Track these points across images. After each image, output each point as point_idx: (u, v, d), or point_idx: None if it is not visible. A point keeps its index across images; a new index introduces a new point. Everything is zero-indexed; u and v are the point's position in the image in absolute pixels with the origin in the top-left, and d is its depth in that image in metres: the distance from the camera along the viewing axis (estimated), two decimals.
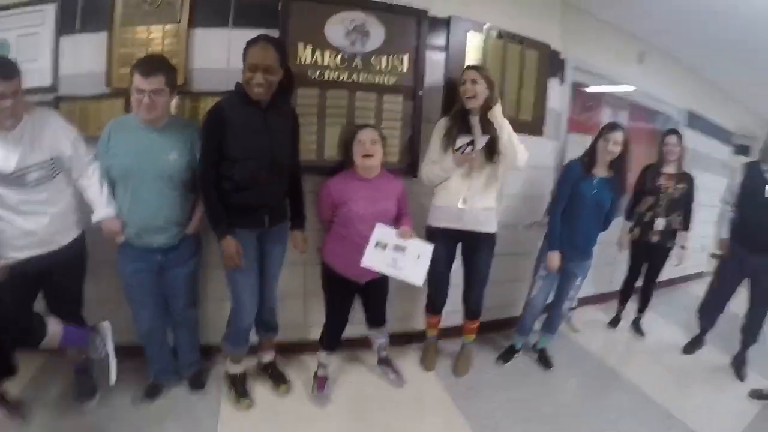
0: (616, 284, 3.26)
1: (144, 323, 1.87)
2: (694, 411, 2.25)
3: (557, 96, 2.78)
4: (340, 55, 2.11)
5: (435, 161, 2.05)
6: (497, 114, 1.97)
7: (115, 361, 1.66)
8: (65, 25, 2.01)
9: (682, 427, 2.12)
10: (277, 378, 2.14)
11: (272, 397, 2.09)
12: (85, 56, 2.02)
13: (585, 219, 2.28)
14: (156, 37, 2.01)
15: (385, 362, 2.30)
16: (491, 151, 2.01)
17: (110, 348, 1.66)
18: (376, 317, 2.17)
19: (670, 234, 2.87)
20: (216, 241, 1.76)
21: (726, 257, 2.70)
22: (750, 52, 3.19)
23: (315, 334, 2.15)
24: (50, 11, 2.03)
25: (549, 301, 2.51)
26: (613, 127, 2.24)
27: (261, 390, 2.12)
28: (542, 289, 2.41)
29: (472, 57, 2.32)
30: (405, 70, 2.20)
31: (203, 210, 1.80)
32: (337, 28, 2.09)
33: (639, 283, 3.14)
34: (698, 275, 4.33)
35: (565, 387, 2.40)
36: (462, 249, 2.21)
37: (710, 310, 2.85)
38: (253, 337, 2.11)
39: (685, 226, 2.91)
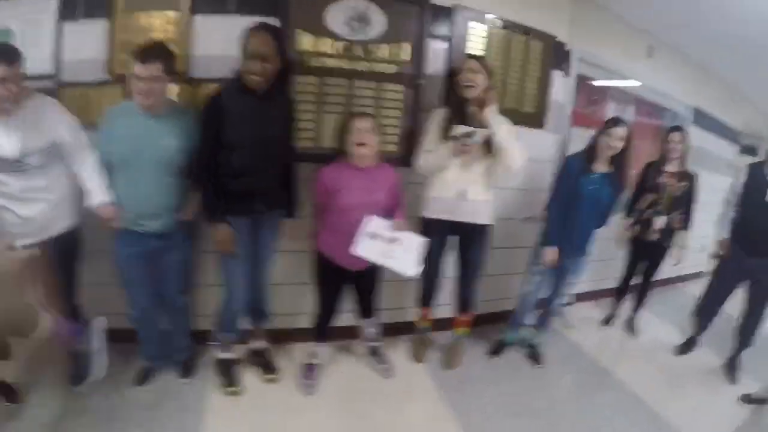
0: (613, 281, 3.21)
1: (137, 307, 1.87)
2: (683, 413, 2.22)
3: (561, 88, 2.71)
4: (340, 43, 2.05)
5: (431, 150, 2.00)
6: (492, 116, 1.92)
7: (104, 356, 1.69)
8: (67, 12, 1.97)
9: (670, 429, 2.09)
10: (266, 366, 2.14)
11: (261, 384, 2.09)
12: (87, 43, 1.98)
13: (583, 215, 2.23)
14: (157, 23, 1.97)
15: (375, 353, 2.29)
16: (490, 144, 1.96)
17: (100, 343, 1.69)
18: (366, 308, 2.15)
19: (669, 233, 2.80)
20: (210, 227, 1.76)
21: (726, 257, 2.63)
22: (761, 50, 3.08)
23: (306, 322, 2.14)
24: None
25: (543, 296, 2.46)
26: (615, 122, 2.18)
27: (250, 377, 2.11)
28: (536, 285, 2.37)
29: (474, 47, 2.26)
30: (406, 58, 2.15)
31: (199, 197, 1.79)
32: (337, 15, 2.04)
33: (635, 281, 3.08)
34: (697, 275, 4.25)
35: (556, 383, 2.38)
36: (456, 241, 2.17)
37: (706, 311, 2.79)
38: (245, 325, 2.11)
39: (685, 225, 2.83)
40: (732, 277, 2.63)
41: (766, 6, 2.44)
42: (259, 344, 2.17)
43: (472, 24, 2.25)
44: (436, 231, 2.08)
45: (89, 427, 1.71)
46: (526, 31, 2.39)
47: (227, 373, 2.01)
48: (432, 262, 2.15)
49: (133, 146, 1.65)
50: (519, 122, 2.45)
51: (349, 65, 2.08)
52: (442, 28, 2.21)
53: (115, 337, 2.05)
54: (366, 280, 2.03)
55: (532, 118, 2.54)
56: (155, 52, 1.59)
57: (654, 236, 2.80)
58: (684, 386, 2.50)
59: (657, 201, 2.76)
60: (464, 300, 2.25)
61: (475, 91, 1.93)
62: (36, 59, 1.94)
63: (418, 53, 2.15)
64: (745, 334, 2.62)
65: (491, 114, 1.92)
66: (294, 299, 2.34)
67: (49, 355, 1.79)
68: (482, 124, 1.94)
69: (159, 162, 1.68)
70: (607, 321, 3.19)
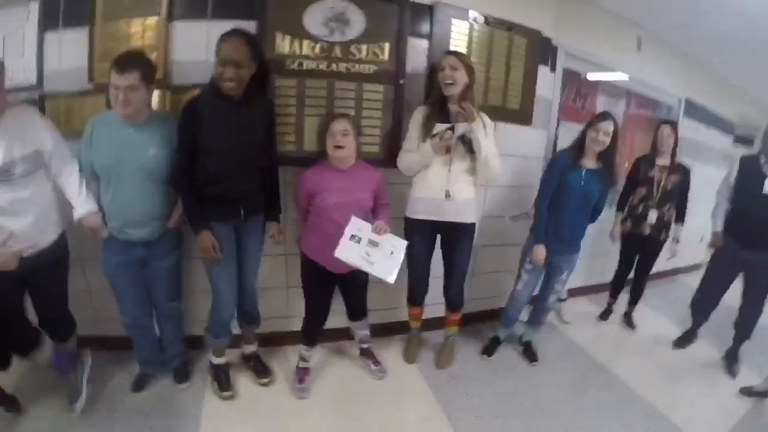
0: (609, 276, 3.14)
1: (129, 315, 1.85)
2: (682, 408, 2.16)
3: (547, 84, 2.64)
4: (318, 45, 2.00)
5: (412, 150, 1.94)
6: (477, 130, 1.87)
7: (85, 393, 1.74)
8: (48, 22, 1.94)
9: (668, 425, 2.03)
10: (259, 369, 2.11)
11: (255, 388, 2.06)
12: (69, 52, 1.95)
13: (572, 211, 2.16)
14: (137, 30, 1.93)
15: (366, 354, 2.25)
16: (470, 149, 1.91)
17: (85, 379, 1.77)
18: (356, 309, 2.11)
19: (662, 226, 2.72)
20: (192, 234, 1.74)
21: (721, 250, 2.55)
22: (752, 40, 3.00)
23: (297, 325, 2.10)
24: (34, 8, 1.96)
25: (535, 293, 2.39)
26: (603, 116, 2.11)
27: (244, 381, 2.09)
28: (528, 283, 2.31)
29: (456, 44, 2.20)
30: (386, 58, 2.09)
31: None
32: (316, 16, 1.98)
33: (631, 275, 3.01)
34: (696, 267, 4.15)
35: (550, 381, 2.31)
36: (441, 240, 2.12)
37: (703, 304, 2.72)
38: (237, 329, 2.08)
39: (679, 218, 2.75)
40: (728, 270, 2.56)
41: None
42: (250, 348, 2.15)
43: (453, 21, 2.19)
44: (420, 231, 2.03)
45: None
46: (510, 26, 2.32)
47: (221, 378, 1.99)
48: (419, 262, 2.10)
49: (116, 155, 1.63)
50: (505, 119, 2.40)
51: (328, 67, 2.03)
52: (422, 27, 2.15)
53: (112, 344, 2.08)
54: (354, 281, 1.98)
55: (518, 114, 2.47)
56: (132, 61, 1.56)
57: (647, 230, 2.71)
58: (683, 380, 2.43)
59: (649, 195, 2.68)
60: (453, 299, 2.20)
61: (455, 88, 1.88)
62: (18, 70, 1.93)
63: (399, 52, 2.09)
64: (744, 326, 2.55)
65: (476, 128, 1.87)
66: (286, 302, 2.30)
67: None
68: (465, 121, 1.88)
69: (141, 170, 1.66)
70: (604, 316, 3.11)
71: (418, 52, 2.15)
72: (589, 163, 2.12)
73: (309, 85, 2.02)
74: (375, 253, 1.76)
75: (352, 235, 1.75)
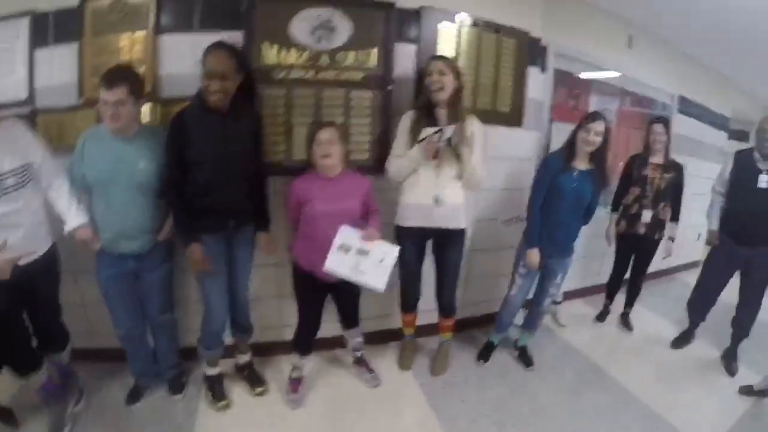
0: (604, 277, 3.11)
1: (122, 327, 1.85)
2: (680, 409, 2.13)
3: (538, 85, 2.61)
4: (305, 53, 1.99)
5: (400, 155, 1.92)
6: (467, 144, 1.86)
7: (70, 426, 1.75)
8: (38, 38, 1.95)
9: (667, 426, 2.00)
10: (253, 379, 2.10)
11: (249, 398, 2.05)
12: (59, 68, 1.96)
13: (565, 214, 2.12)
14: (125, 45, 1.94)
15: (360, 362, 2.23)
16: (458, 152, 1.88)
17: (70, 410, 1.79)
18: (349, 318, 2.09)
19: (657, 225, 2.68)
20: (183, 246, 1.73)
21: (716, 248, 2.51)
22: (745, 34, 2.96)
23: (291, 334, 2.07)
24: (24, 25, 1.96)
25: (529, 297, 2.35)
26: (593, 116, 2.07)
27: (239, 391, 2.08)
28: (521, 288, 2.27)
29: (444, 48, 2.18)
30: (373, 64, 2.07)
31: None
32: (302, 25, 1.97)
33: (627, 276, 2.97)
34: (694, 264, 4.09)
35: (546, 385, 2.28)
36: (432, 246, 2.10)
37: (700, 303, 2.69)
38: (230, 339, 2.08)
39: (674, 216, 2.71)
40: (724, 268, 2.53)
41: None
42: (244, 358, 2.14)
43: (441, 25, 2.17)
44: (411, 238, 2.01)
45: None
46: (497, 28, 2.29)
47: (215, 388, 1.99)
48: (410, 268, 2.09)
49: (106, 169, 1.63)
50: (496, 122, 2.38)
51: (316, 75, 2.02)
52: (410, 31, 2.13)
53: (106, 356, 2.08)
54: (346, 289, 1.95)
55: (509, 117, 2.45)
56: (120, 76, 1.57)
57: (642, 230, 2.68)
58: (681, 381, 2.40)
59: (643, 194, 2.65)
60: (445, 304, 2.17)
61: (444, 93, 1.85)
62: (10, 86, 1.96)
63: (386, 58, 2.08)
64: (742, 324, 2.52)
65: (468, 141, 1.86)
66: (279, 312, 2.28)
67: None
68: (452, 123, 1.86)
69: (132, 183, 1.66)
70: (601, 318, 3.07)
71: (406, 57, 2.13)
72: (581, 164, 2.09)
73: (297, 94, 2.01)
74: (365, 262, 1.74)
75: (341, 245, 1.73)
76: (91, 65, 1.91)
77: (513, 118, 2.45)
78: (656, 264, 2.96)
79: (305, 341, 2.00)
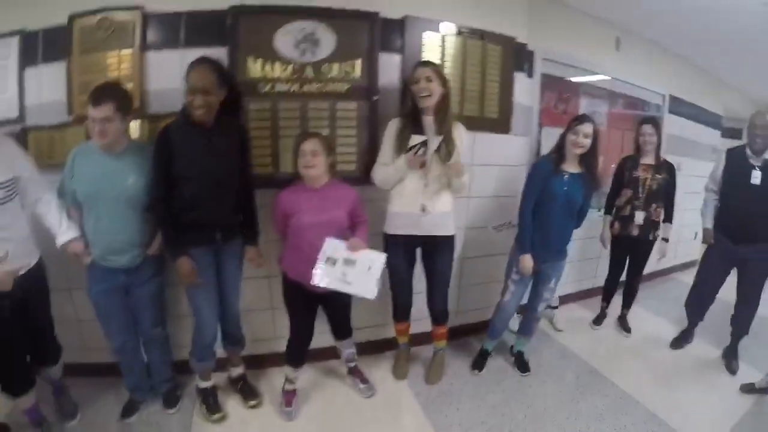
0: (600, 280, 3.06)
1: (114, 341, 1.85)
2: (681, 410, 2.08)
3: (525, 90, 2.59)
4: (290, 66, 1.99)
5: (386, 163, 1.90)
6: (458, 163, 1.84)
7: None
8: (28, 57, 1.97)
9: (667, 428, 1.95)
10: (247, 392, 2.07)
11: (243, 411, 2.02)
12: (48, 86, 1.98)
13: (557, 218, 2.09)
14: (112, 62, 1.95)
15: (354, 373, 2.19)
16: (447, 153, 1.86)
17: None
18: (340, 328, 2.06)
19: (650, 226, 2.64)
20: (171, 260, 1.73)
21: (711, 246, 2.48)
22: (734, 32, 2.94)
23: (284, 346, 2.03)
24: (14, 44, 1.99)
25: (523, 302, 2.32)
26: (581, 119, 2.05)
27: (232, 404, 2.05)
28: (514, 294, 2.23)
29: (429, 56, 2.16)
30: (358, 75, 2.06)
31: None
32: (286, 39, 1.97)
33: (623, 278, 2.92)
34: (691, 264, 4.04)
35: (543, 391, 2.23)
36: (421, 254, 2.07)
37: (698, 302, 2.64)
38: (222, 352, 2.06)
39: (667, 217, 2.68)
40: (720, 266, 2.49)
41: None
42: (237, 371, 2.11)
43: (425, 34, 2.16)
44: (400, 246, 1.98)
45: None
46: (482, 35, 2.28)
47: (209, 401, 1.97)
48: (401, 277, 2.06)
49: (96, 185, 1.64)
50: (483, 128, 2.37)
51: (301, 87, 2.01)
52: (394, 41, 2.12)
53: (101, 371, 2.07)
54: (337, 300, 1.92)
55: (497, 123, 2.42)
56: (107, 93, 1.58)
57: (635, 232, 2.64)
58: (681, 382, 2.35)
59: (635, 196, 2.62)
60: (437, 312, 2.14)
61: (431, 99, 1.84)
62: (1, 105, 1.99)
63: (371, 69, 2.06)
64: (740, 322, 2.48)
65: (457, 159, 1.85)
66: (272, 324, 2.25)
67: None
68: (440, 133, 1.84)
69: (121, 198, 1.67)
70: (598, 321, 3.02)
71: (391, 67, 2.12)
72: (571, 167, 2.06)
73: (282, 106, 2.00)
74: (352, 271, 1.71)
75: (328, 258, 1.71)
76: (80, 83, 1.93)
77: (501, 124, 2.43)
78: (653, 265, 2.92)
79: (298, 353, 1.96)
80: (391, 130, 1.91)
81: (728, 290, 2.50)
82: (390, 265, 1.97)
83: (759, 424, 2.01)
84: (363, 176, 2.05)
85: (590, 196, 2.12)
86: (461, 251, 2.50)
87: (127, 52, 1.93)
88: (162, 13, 1.91)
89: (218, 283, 1.85)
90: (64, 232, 1.66)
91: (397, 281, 2.05)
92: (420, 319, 2.26)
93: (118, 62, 1.94)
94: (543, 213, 2.08)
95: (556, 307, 2.96)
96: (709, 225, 2.49)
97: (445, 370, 2.31)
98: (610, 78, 3.21)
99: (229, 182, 1.73)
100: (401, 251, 1.98)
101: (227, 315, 1.93)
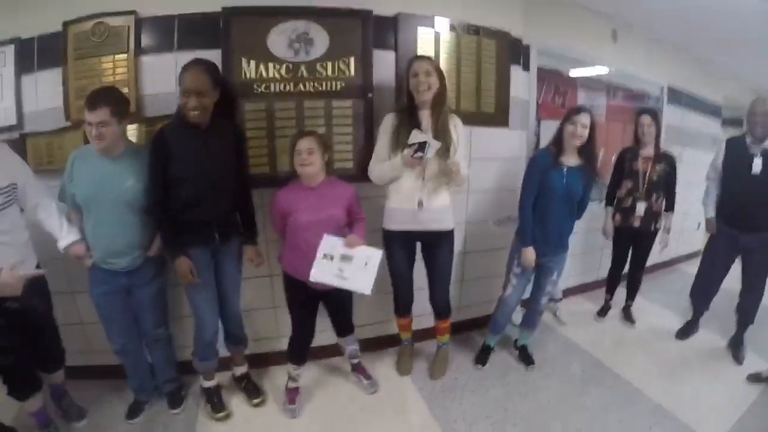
0: (603, 272, 3.02)
1: (117, 342, 1.85)
2: (687, 401, 2.05)
3: (522, 84, 2.56)
4: (284, 66, 1.97)
5: (383, 159, 1.88)
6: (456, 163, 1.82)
7: None
8: (24, 65, 1.98)
9: (673, 419, 1.92)
10: (251, 390, 2.07)
11: (248, 409, 2.01)
12: (45, 93, 1.99)
13: (557, 210, 2.06)
14: (107, 67, 1.95)
15: (357, 369, 2.18)
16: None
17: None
18: (342, 325, 2.05)
19: (652, 217, 2.61)
20: (169, 261, 1.74)
21: (714, 236, 2.44)
22: (730, 21, 2.89)
23: (287, 345, 2.02)
24: (9, 52, 2.00)
25: (526, 296, 2.29)
26: (578, 110, 2.03)
27: (236, 403, 2.05)
28: (516, 288, 2.19)
29: (424, 52, 2.12)
30: (352, 73, 2.04)
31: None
32: (279, 39, 1.96)
33: (626, 269, 2.88)
34: (695, 254, 3.98)
35: (548, 384, 2.21)
36: (421, 249, 2.05)
37: (703, 292, 2.61)
38: (225, 351, 2.06)
39: (669, 207, 2.64)
40: (724, 255, 2.46)
41: None
42: (240, 370, 2.11)
43: (419, 30, 2.14)
44: (399, 241, 1.96)
45: None
46: (476, 30, 2.25)
47: (213, 400, 1.97)
48: (401, 272, 2.04)
49: (95, 187, 1.64)
50: (481, 123, 2.34)
51: (295, 87, 1.99)
52: (388, 38, 2.10)
53: (106, 373, 2.08)
54: (338, 297, 1.91)
55: (494, 117, 2.39)
56: (102, 97, 1.58)
57: (637, 223, 2.60)
58: (687, 372, 2.32)
59: (636, 187, 2.59)
60: (439, 306, 2.11)
61: (429, 93, 1.82)
62: (0, 112, 2.00)
63: (365, 66, 2.05)
64: (746, 311, 2.44)
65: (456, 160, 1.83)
66: (274, 322, 2.24)
67: None
68: (437, 127, 1.82)
69: (120, 201, 1.67)
70: (602, 313, 2.98)
71: (385, 65, 2.10)
72: (570, 159, 2.03)
73: (278, 106, 1.99)
74: (348, 268, 1.71)
75: (325, 254, 1.70)
76: (76, 88, 1.93)
77: (498, 118, 2.40)
78: (657, 256, 2.88)
79: (300, 351, 1.95)
80: (387, 124, 1.89)
81: (733, 279, 2.47)
82: (390, 260, 1.97)
83: (766, 414, 1.97)
84: (360, 173, 2.03)
85: (590, 187, 2.09)
86: (462, 246, 2.48)
87: (121, 56, 1.93)
88: (155, 17, 1.91)
89: (218, 283, 1.85)
90: (66, 236, 1.67)
91: (397, 276, 2.03)
92: (423, 315, 2.24)
93: (113, 67, 1.94)
94: (543, 206, 2.05)
95: (560, 300, 2.93)
96: (712, 214, 2.46)
97: (448, 365, 2.29)
98: (607, 70, 3.17)
99: (225, 183, 1.73)
100: (401, 246, 1.96)
101: (228, 314, 1.93)
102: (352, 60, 2.03)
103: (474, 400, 2.05)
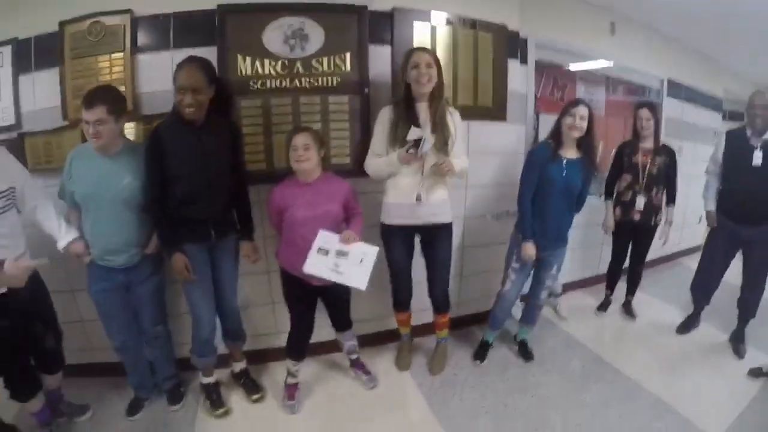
0: (604, 267, 2.98)
1: (115, 339, 1.85)
2: (688, 396, 2.02)
3: (519, 78, 2.51)
4: (280, 62, 1.95)
5: (379, 154, 1.86)
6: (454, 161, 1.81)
7: None
8: (21, 65, 1.97)
9: (674, 414, 1.89)
10: (250, 387, 2.06)
11: (247, 405, 2.00)
12: (43, 92, 1.98)
13: (556, 204, 2.03)
14: (104, 66, 1.94)
15: (356, 365, 2.16)
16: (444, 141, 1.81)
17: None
18: (340, 321, 2.03)
19: (652, 211, 2.56)
20: (166, 257, 1.73)
21: (715, 229, 2.40)
22: (730, 14, 2.84)
23: (285, 341, 2.00)
24: (7, 53, 1.99)
25: (525, 291, 2.26)
26: (575, 102, 1.99)
27: (236, 399, 2.04)
28: (515, 283, 2.17)
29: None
30: (348, 69, 2.02)
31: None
32: (275, 35, 1.94)
33: (626, 264, 2.84)
34: (697, 249, 3.92)
35: (548, 379, 2.18)
36: (420, 243, 2.02)
37: (703, 286, 2.56)
38: (224, 348, 2.05)
39: (670, 200, 2.61)
40: (725, 249, 2.42)
41: None
42: (239, 366, 2.10)
43: (415, 24, 2.11)
44: (398, 236, 1.94)
45: None
46: (473, 23, 2.22)
47: (213, 396, 1.96)
48: (400, 266, 2.01)
49: (93, 185, 1.64)
50: (479, 117, 2.31)
51: (291, 83, 1.97)
52: (384, 33, 2.07)
53: (105, 371, 2.07)
54: (335, 292, 1.89)
55: (492, 111, 2.35)
56: (98, 96, 1.57)
57: (636, 217, 2.56)
58: (688, 367, 2.29)
59: (636, 181, 2.55)
60: (438, 300, 2.09)
61: (430, 86, 1.78)
62: None
63: (361, 62, 2.02)
64: (747, 305, 2.41)
65: (454, 159, 1.82)
66: (273, 318, 2.23)
67: None
68: (435, 120, 1.79)
69: (117, 199, 1.67)
70: (602, 308, 2.94)
71: (381, 60, 2.07)
72: (569, 152, 2.00)
73: (274, 103, 1.97)
74: (344, 263, 1.69)
75: (320, 248, 1.69)
76: (73, 87, 1.92)
77: (496, 112, 2.36)
78: (657, 250, 2.84)
79: (298, 346, 1.94)
80: (383, 118, 1.86)
81: (734, 273, 2.43)
82: (389, 254, 1.95)
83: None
84: (356, 169, 2.01)
85: (589, 181, 2.06)
86: (461, 241, 2.45)
87: (118, 55, 1.91)
88: (151, 15, 1.89)
89: (214, 279, 1.84)
90: (64, 236, 1.67)
91: (396, 271, 2.01)
92: (422, 310, 2.22)
93: (110, 66, 1.93)
94: (542, 199, 2.02)
95: (560, 295, 2.90)
96: (712, 208, 2.42)
97: (448, 361, 2.26)
98: (606, 63, 3.12)
99: (220, 180, 1.72)
100: (399, 241, 1.94)
101: (226, 311, 1.92)
102: (348, 55, 2.00)
103: (473, 396, 2.03)
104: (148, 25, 1.90)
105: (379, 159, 1.85)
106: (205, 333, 1.84)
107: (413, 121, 1.78)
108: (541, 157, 2.02)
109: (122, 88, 1.83)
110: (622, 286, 2.90)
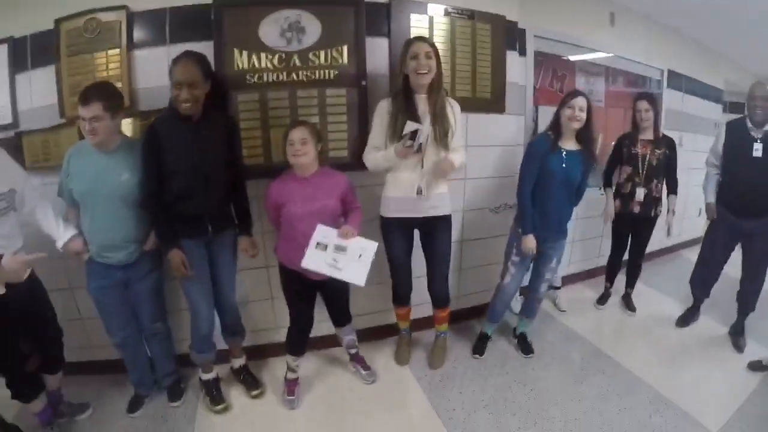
0: (604, 260, 2.96)
1: (115, 336, 1.84)
2: (688, 389, 2.01)
3: (518, 69, 2.48)
4: (276, 56, 1.92)
5: (378, 147, 1.83)
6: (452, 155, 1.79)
7: None
8: (18, 64, 1.95)
9: (673, 407, 1.88)
10: (249, 382, 2.05)
11: (247, 401, 2.00)
12: (40, 90, 1.96)
13: (556, 196, 2.01)
14: (100, 63, 1.92)
15: (356, 359, 2.15)
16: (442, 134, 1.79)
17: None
18: (339, 315, 2.02)
19: (652, 203, 2.53)
20: (163, 253, 1.72)
21: (714, 221, 2.37)
22: (731, 4, 2.77)
23: (285, 336, 1.99)
24: (3, 51, 1.96)
25: (525, 284, 2.24)
26: (574, 93, 1.97)
27: (236, 394, 2.03)
28: (515, 276, 2.15)
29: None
30: (345, 61, 1.99)
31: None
32: (271, 28, 1.91)
33: (626, 256, 2.81)
34: (697, 240, 3.89)
35: (547, 372, 2.17)
36: (420, 236, 2.00)
37: (703, 279, 2.54)
38: (224, 344, 2.04)
39: (672, 190, 2.58)
40: (724, 241, 2.39)
41: None
42: (239, 362, 2.09)
43: (412, 16, 2.07)
44: (397, 229, 1.92)
45: None
46: (471, 14, 2.18)
47: (212, 392, 1.95)
48: (399, 260, 1.99)
49: (91, 182, 1.63)
50: (477, 109, 2.28)
51: (288, 76, 1.94)
52: (381, 25, 2.04)
53: (106, 368, 2.07)
54: (334, 287, 1.87)
55: (490, 103, 2.32)
56: (95, 93, 1.56)
57: (636, 209, 2.53)
58: (688, 360, 2.27)
59: (635, 172, 2.51)
60: (438, 294, 2.07)
61: (429, 77, 1.75)
62: None
63: (358, 54, 1.99)
64: (747, 298, 2.39)
65: (452, 152, 1.80)
66: (272, 314, 2.22)
67: None
68: (435, 111, 1.77)
69: (115, 196, 1.66)
70: (602, 301, 2.92)
71: (378, 52, 2.04)
72: (569, 144, 1.98)
73: (271, 96, 1.95)
74: (342, 258, 1.67)
75: (318, 243, 1.67)
76: (70, 84, 1.90)
77: (495, 104, 2.33)
78: (657, 242, 2.81)
79: (298, 341, 1.92)
80: (381, 110, 1.82)
81: (734, 266, 2.41)
82: (388, 248, 1.94)
83: (767, 402, 1.92)
84: (355, 162, 1.98)
85: (588, 172, 2.04)
86: (460, 234, 2.43)
87: (114, 51, 1.89)
88: (146, 11, 1.86)
89: (213, 275, 1.83)
90: (63, 235, 1.66)
91: (395, 264, 1.99)
92: (421, 304, 2.21)
93: (107, 62, 1.90)
94: (542, 192, 2.00)
95: (559, 288, 2.88)
96: (712, 200, 2.39)
97: (447, 354, 2.25)
98: (606, 54, 3.08)
99: (217, 175, 1.70)
100: (399, 234, 1.92)
101: (224, 306, 1.91)
102: (345, 48, 1.97)
103: (473, 389, 2.02)
104: (144, 21, 1.87)
105: (377, 153, 1.82)
106: (204, 329, 1.83)
107: (412, 112, 1.75)
108: (540, 149, 1.99)
109: (119, 85, 1.81)
110: (621, 279, 2.88)
